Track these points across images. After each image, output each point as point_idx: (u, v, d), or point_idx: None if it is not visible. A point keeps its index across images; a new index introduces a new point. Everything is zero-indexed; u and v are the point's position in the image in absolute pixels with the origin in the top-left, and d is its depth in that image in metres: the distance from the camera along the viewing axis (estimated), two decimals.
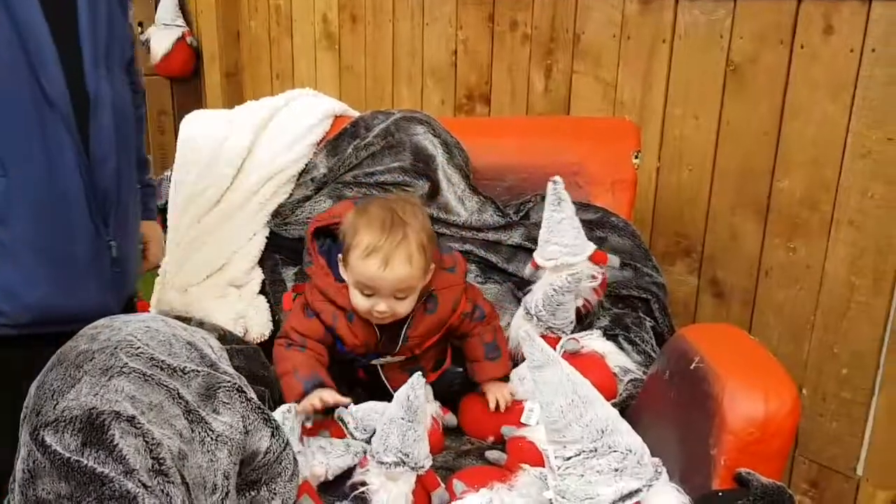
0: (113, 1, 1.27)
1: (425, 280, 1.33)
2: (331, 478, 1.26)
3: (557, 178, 1.43)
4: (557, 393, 0.98)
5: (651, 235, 2.01)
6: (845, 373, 1.72)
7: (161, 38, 3.26)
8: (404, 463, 1.20)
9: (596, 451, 0.97)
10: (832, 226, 1.69)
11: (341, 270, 1.34)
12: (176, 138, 3.40)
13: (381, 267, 1.25)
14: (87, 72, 1.21)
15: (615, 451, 0.97)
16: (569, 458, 0.98)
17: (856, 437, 1.72)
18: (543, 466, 1.27)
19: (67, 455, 0.92)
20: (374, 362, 1.39)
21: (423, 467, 1.22)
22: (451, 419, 1.46)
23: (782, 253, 1.78)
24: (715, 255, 1.91)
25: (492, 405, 1.39)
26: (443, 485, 1.26)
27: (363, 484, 1.23)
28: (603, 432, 0.97)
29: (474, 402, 1.45)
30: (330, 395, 1.28)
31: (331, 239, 1.40)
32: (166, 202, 3.28)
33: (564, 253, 1.42)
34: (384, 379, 1.41)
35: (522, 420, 1.41)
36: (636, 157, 1.69)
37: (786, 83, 1.71)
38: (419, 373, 1.25)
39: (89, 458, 0.93)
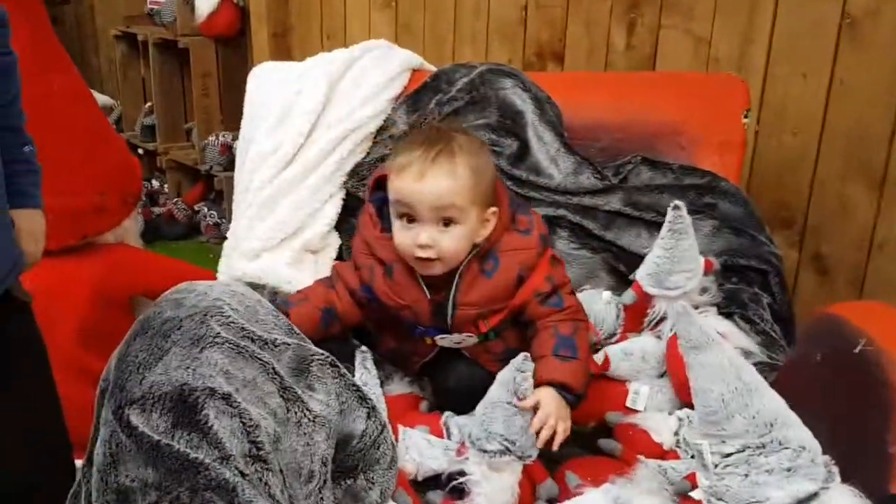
0: None
1: (477, 213, 1.12)
2: (420, 479, 1.13)
3: (680, 203, 1.30)
4: (717, 379, 0.85)
5: None
6: None
7: None
8: (509, 451, 1.07)
9: (764, 447, 0.84)
10: None
11: (392, 211, 1.16)
12: (220, 102, 3.31)
13: (417, 178, 1.08)
14: None
15: (786, 448, 0.84)
16: (729, 455, 0.85)
17: None
18: (659, 458, 1.14)
19: (156, 438, 0.80)
20: (437, 340, 1.20)
21: (530, 456, 1.09)
22: None
23: None
24: (820, 226, 1.75)
25: (533, 426, 1.07)
26: (550, 477, 1.13)
27: (461, 474, 1.10)
28: (772, 426, 0.84)
29: None
30: None
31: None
32: (211, 167, 3.19)
33: (689, 278, 1.30)
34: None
35: (628, 404, 1.27)
36: (746, 117, 1.53)
37: None
38: (525, 353, 1.11)
39: (181, 442, 0.81)
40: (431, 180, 1.08)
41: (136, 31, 3.51)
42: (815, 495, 0.82)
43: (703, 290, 1.32)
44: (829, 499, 0.83)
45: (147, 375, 0.84)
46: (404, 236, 1.12)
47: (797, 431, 0.84)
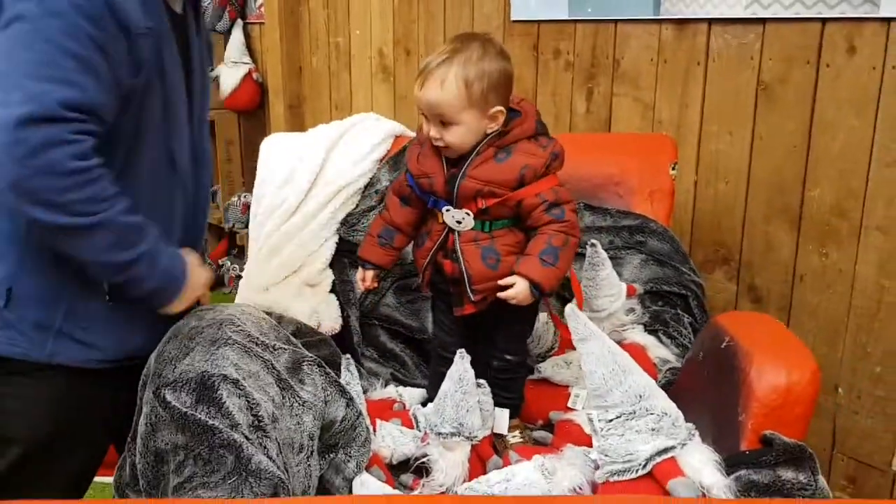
0: (206, 71, 1.37)
1: (475, 114, 1.32)
2: (394, 462, 1.40)
3: (595, 241, 1.60)
4: (599, 363, 1.12)
5: (691, 245, 2.13)
6: (878, 371, 1.81)
7: (229, 74, 3.51)
8: (459, 433, 1.34)
9: (635, 413, 1.11)
10: (861, 232, 1.80)
11: None
12: (242, 167, 3.67)
13: (419, 86, 1.34)
14: (196, 137, 1.32)
15: (652, 414, 1.11)
16: (610, 421, 1.12)
17: (890, 434, 1.81)
18: (588, 446, 1.41)
19: (184, 410, 1.10)
20: (443, 212, 1.39)
21: (476, 437, 1.35)
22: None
23: (815, 259, 1.89)
24: (752, 262, 2.02)
25: (502, 281, 1.35)
26: (496, 455, 1.39)
27: (424, 456, 1.37)
28: (641, 397, 1.11)
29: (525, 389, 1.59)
30: (361, 279, 1.53)
31: None
32: (233, 225, 3.53)
33: (612, 301, 1.59)
34: (458, 246, 1.39)
35: (569, 405, 1.54)
36: (673, 169, 1.83)
37: (813, 100, 1.84)
38: (463, 350, 1.37)
39: (202, 413, 1.10)
40: (426, 90, 1.33)
41: None
42: (673, 448, 1.09)
43: (630, 311, 1.61)
44: (685, 452, 1.09)
45: (177, 366, 1.14)
46: (424, 127, 1.38)
47: (661, 401, 1.11)
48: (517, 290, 1.34)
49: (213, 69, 1.44)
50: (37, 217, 1.06)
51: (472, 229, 1.39)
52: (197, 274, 1.28)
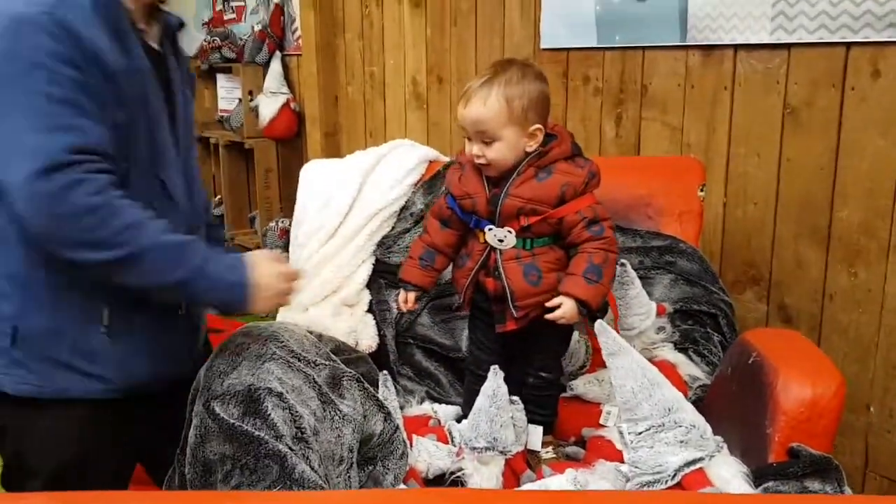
0: (189, 100, 1.41)
1: (516, 130, 1.39)
2: (430, 476, 1.45)
3: (625, 261, 1.64)
4: (629, 376, 1.16)
5: (721, 266, 2.15)
6: None
7: (268, 104, 3.63)
8: (493, 447, 1.38)
9: (664, 425, 1.14)
10: (890, 251, 1.81)
11: None
12: (280, 193, 3.78)
13: (463, 105, 1.42)
14: (185, 164, 1.36)
15: (680, 426, 1.14)
16: (640, 433, 1.16)
17: None
18: (619, 461, 1.44)
19: (232, 421, 1.16)
20: (486, 231, 1.44)
21: (510, 451, 1.39)
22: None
23: (844, 278, 1.91)
24: (782, 282, 2.04)
25: (549, 303, 1.39)
26: (529, 469, 1.43)
27: (459, 470, 1.42)
28: (669, 410, 1.15)
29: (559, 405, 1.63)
30: (404, 301, 1.55)
31: None
32: (271, 249, 3.62)
33: (642, 320, 1.64)
34: (500, 264, 1.43)
35: (601, 422, 1.57)
36: (701, 191, 1.87)
37: (839, 122, 1.87)
38: (496, 366, 1.42)
39: (248, 424, 1.16)
40: (469, 108, 1.41)
41: (208, 135, 4.05)
42: (701, 459, 1.12)
43: (660, 329, 1.64)
44: (714, 464, 1.13)
45: (226, 379, 1.20)
46: (467, 147, 1.45)
47: (689, 414, 1.15)
48: (565, 309, 1.39)
49: (193, 96, 1.48)
50: (81, 259, 1.12)
51: (513, 247, 1.44)
52: (265, 270, 1.26)
